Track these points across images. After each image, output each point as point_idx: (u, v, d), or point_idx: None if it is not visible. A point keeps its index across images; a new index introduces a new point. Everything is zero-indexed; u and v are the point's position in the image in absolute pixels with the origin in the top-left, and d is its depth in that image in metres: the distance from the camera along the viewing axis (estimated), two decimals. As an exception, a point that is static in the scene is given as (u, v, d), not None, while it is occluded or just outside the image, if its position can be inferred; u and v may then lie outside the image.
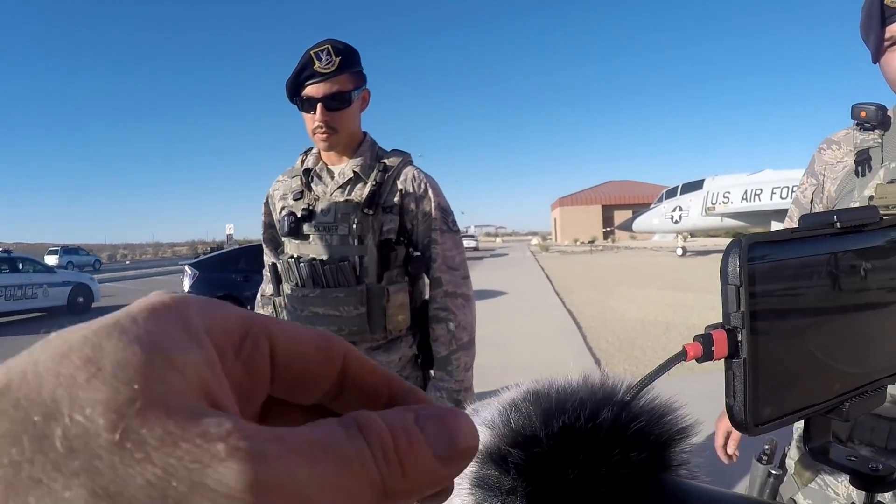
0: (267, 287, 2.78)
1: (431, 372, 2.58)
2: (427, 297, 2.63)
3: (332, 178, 2.55)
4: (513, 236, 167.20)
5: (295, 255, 2.52)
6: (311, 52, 2.35)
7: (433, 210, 2.53)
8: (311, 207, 2.50)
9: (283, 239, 2.60)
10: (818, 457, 0.56)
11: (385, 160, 2.55)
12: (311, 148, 2.66)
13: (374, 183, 2.47)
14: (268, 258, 2.80)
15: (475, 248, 65.28)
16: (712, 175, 27.69)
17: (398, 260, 2.50)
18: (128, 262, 54.86)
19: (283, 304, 2.62)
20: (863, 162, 1.82)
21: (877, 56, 1.81)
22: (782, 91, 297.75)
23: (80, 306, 18.97)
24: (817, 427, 0.55)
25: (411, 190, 2.51)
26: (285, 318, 2.49)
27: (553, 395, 0.53)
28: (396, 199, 2.50)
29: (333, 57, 2.36)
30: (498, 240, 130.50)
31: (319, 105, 2.39)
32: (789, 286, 0.49)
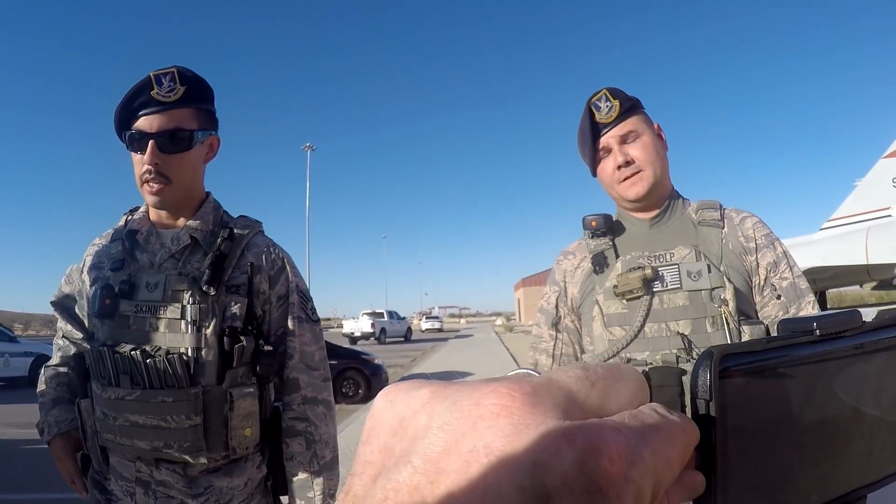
0: (55, 365, 2.21)
1: (283, 499, 2.11)
2: (276, 403, 2.12)
3: (162, 244, 1.98)
4: (477, 317, 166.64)
5: (108, 343, 1.87)
6: (152, 75, 1.86)
7: (291, 293, 2.06)
8: (132, 281, 1.91)
9: (95, 320, 1.95)
10: None
11: (232, 227, 2.02)
12: (139, 206, 2.11)
13: (216, 253, 1.93)
14: (62, 334, 2.23)
15: (439, 329, 65.28)
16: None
17: (245, 355, 1.92)
18: None
19: (90, 408, 1.95)
20: (600, 262, 2.10)
21: (594, 167, 2.15)
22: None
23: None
24: None
25: (264, 266, 2.01)
26: (94, 427, 1.93)
27: None
28: (245, 276, 1.97)
29: (178, 84, 1.87)
30: (462, 321, 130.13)
31: (151, 143, 1.86)
32: (764, 398, 0.47)
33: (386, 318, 44.60)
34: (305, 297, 2.10)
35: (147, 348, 1.84)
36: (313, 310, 2.13)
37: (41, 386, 2.17)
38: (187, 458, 1.84)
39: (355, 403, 13.33)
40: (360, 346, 25.96)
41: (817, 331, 0.50)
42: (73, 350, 2.14)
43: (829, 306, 19.00)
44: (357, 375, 14.24)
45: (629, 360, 1.90)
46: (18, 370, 18.08)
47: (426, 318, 72.40)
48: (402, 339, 45.74)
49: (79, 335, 2.14)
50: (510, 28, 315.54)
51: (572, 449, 0.29)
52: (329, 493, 2.00)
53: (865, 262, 16.70)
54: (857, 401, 0.54)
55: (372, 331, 41.96)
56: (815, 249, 18.36)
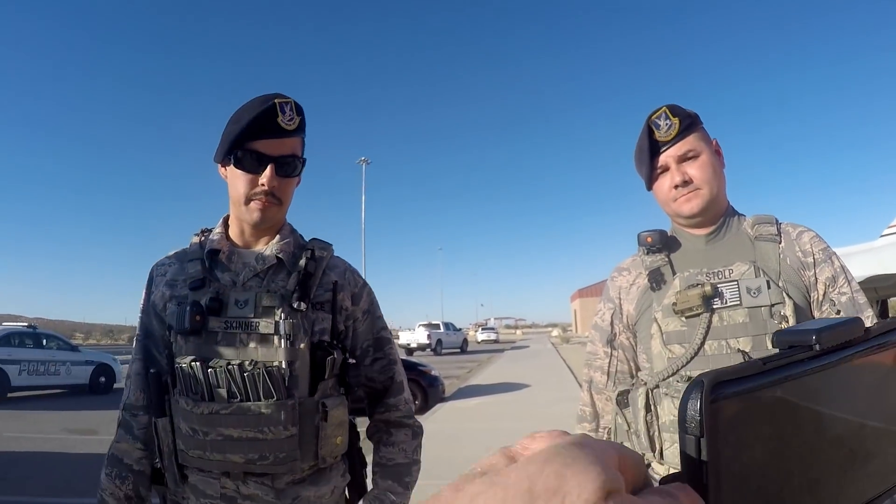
0: (136, 396, 2.08)
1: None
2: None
3: (246, 264, 2.02)
4: (532, 328, 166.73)
5: (198, 359, 1.88)
6: (277, 102, 1.91)
7: (374, 308, 2.15)
8: (220, 298, 1.93)
9: (178, 337, 1.94)
10: None
11: (313, 248, 2.08)
12: (209, 229, 2.14)
13: (302, 272, 1.99)
14: (136, 361, 2.11)
15: (495, 341, 65.10)
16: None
17: (335, 367, 1.99)
18: None
19: (169, 427, 1.94)
20: (656, 279, 2.11)
21: (650, 184, 2.16)
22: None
23: (101, 386, 18.97)
24: None
25: (346, 284, 2.08)
26: (178, 447, 1.92)
27: None
28: (328, 294, 2.03)
29: (296, 115, 1.95)
30: (518, 332, 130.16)
31: (271, 166, 1.93)
32: (762, 422, 0.44)
33: (442, 330, 44.60)
34: (380, 312, 2.20)
35: (242, 363, 1.85)
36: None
37: (107, 479, 2.03)
38: (281, 468, 1.86)
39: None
40: (416, 358, 25.93)
41: (817, 345, 0.49)
42: (145, 399, 2.05)
43: (890, 314, 18.58)
44: (414, 387, 14.14)
45: (689, 379, 1.86)
46: (79, 378, 18.57)
47: (482, 329, 72.34)
48: (459, 350, 45.62)
49: (158, 349, 2.08)
50: (560, 37, 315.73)
51: None
52: (414, 483, 2.10)
53: None
54: (863, 414, 0.53)
55: (428, 342, 42.08)
56: (875, 257, 18.23)
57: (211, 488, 1.88)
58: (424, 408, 14.02)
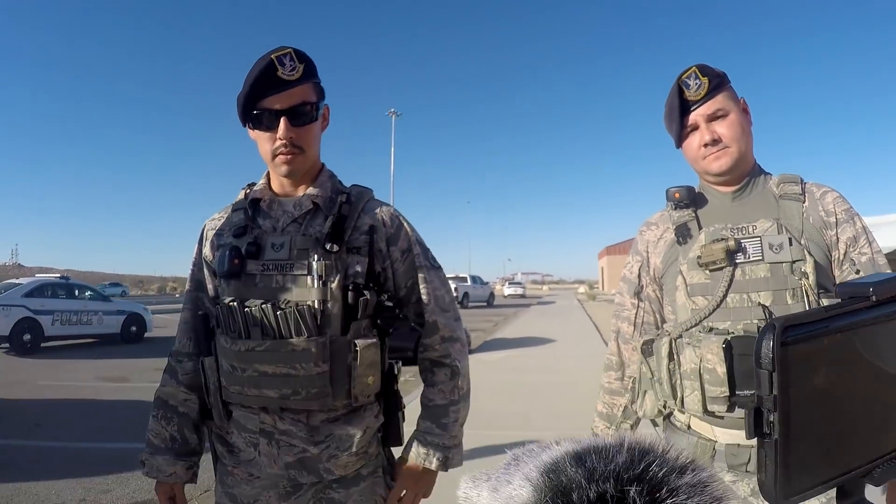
0: (182, 343, 2.27)
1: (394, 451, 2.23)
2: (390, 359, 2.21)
3: (285, 211, 2.13)
4: (559, 284, 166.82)
5: (238, 300, 2.01)
6: (273, 57, 1.98)
7: (413, 245, 2.17)
8: (258, 243, 2.05)
9: (221, 281, 2.10)
10: None
11: (349, 193, 2.17)
12: (254, 183, 2.26)
13: (336, 216, 2.07)
14: (185, 309, 2.29)
15: (522, 295, 65.19)
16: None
17: (368, 309, 2.05)
18: (177, 295, 55.31)
19: (214, 365, 2.10)
20: (683, 233, 2.17)
21: (679, 142, 2.21)
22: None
23: (132, 335, 19.29)
24: (852, 487, 0.55)
25: (382, 227, 2.13)
26: (222, 383, 2.07)
27: (594, 461, 0.56)
28: (364, 237, 2.09)
29: (297, 63, 2.01)
30: (545, 287, 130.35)
31: (283, 119, 2.01)
32: (824, 363, 0.49)
33: (469, 283, 44.57)
34: (425, 248, 2.23)
35: (277, 302, 1.96)
36: (434, 258, 2.26)
37: (154, 421, 2.22)
38: (313, 404, 1.97)
39: None
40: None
41: (873, 296, 0.52)
42: (191, 346, 2.23)
43: None
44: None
45: (711, 329, 1.97)
46: (111, 328, 18.91)
47: (509, 283, 72.25)
48: (485, 303, 45.65)
49: (208, 297, 2.25)
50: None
51: None
52: (461, 422, 2.18)
53: None
54: None
55: (455, 294, 41.78)
56: None
57: (251, 423, 2.03)
58: (450, 359, 14.15)
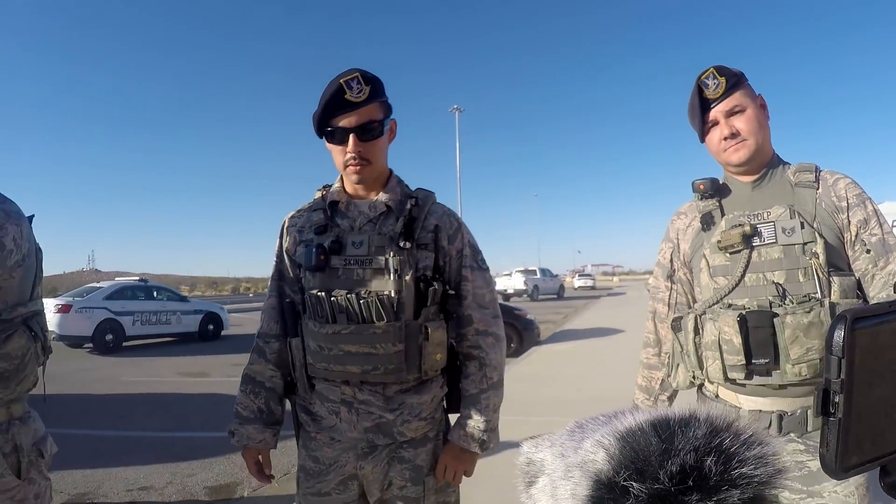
0: (269, 326, 2.55)
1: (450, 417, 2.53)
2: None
3: (361, 212, 2.42)
4: (630, 275, 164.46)
5: (324, 290, 2.32)
6: (341, 82, 2.27)
7: (464, 247, 2.45)
8: (340, 240, 2.36)
9: (307, 273, 2.40)
10: (892, 491, 0.62)
11: (416, 196, 2.44)
12: (330, 184, 2.55)
13: (407, 217, 2.37)
14: (271, 297, 2.59)
15: (592, 287, 64.57)
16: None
17: (436, 297, 2.37)
18: (251, 295, 56.13)
19: (300, 345, 2.41)
20: (707, 221, 2.37)
21: (702, 136, 2.40)
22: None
23: (210, 334, 19.85)
24: (894, 467, 0.60)
25: (444, 227, 2.42)
26: (307, 360, 2.39)
27: (674, 432, 0.60)
28: (430, 235, 2.40)
29: (364, 86, 2.29)
30: (615, 279, 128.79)
31: (352, 136, 2.30)
32: (886, 352, 0.54)
33: (538, 276, 44.49)
34: (476, 251, 2.50)
35: (359, 292, 2.27)
36: (483, 260, 2.53)
37: (242, 395, 2.52)
38: (390, 378, 2.30)
39: (508, 357, 13.37)
40: (512, 303, 26.04)
41: None
42: (282, 341, 2.52)
43: None
44: (510, 330, 14.35)
45: (729, 306, 2.18)
46: (189, 327, 19.50)
47: (579, 275, 71.77)
48: (555, 296, 45.42)
49: (289, 285, 2.55)
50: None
51: None
52: (493, 408, 2.41)
53: None
54: None
55: (525, 288, 42.04)
56: None
57: (333, 394, 2.36)
58: (519, 350, 14.28)
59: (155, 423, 8.59)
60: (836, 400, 0.52)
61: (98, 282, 20.55)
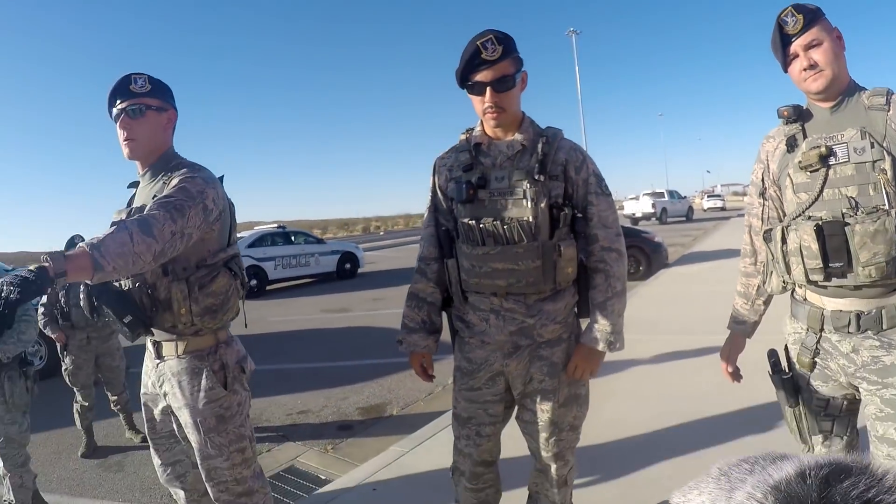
0: (428, 251, 3.02)
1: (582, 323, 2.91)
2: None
3: (500, 151, 2.79)
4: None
5: (474, 219, 2.74)
6: (478, 43, 2.62)
7: (590, 176, 2.78)
8: (485, 176, 2.76)
9: (458, 205, 2.81)
10: None
11: (547, 135, 2.79)
12: (472, 128, 2.92)
13: (540, 154, 2.72)
14: (429, 226, 3.04)
15: (722, 208, 62.22)
16: None
17: (567, 220, 2.73)
18: (381, 234, 57.03)
19: (456, 265, 2.86)
20: (791, 144, 2.60)
21: (785, 68, 2.61)
22: None
23: (347, 272, 20.57)
24: None
25: (571, 160, 2.76)
26: (462, 277, 2.83)
27: (827, 480, 0.60)
28: (560, 168, 2.74)
29: (497, 45, 2.63)
30: (746, 199, 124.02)
31: (489, 89, 2.65)
32: None
33: (666, 198, 43.46)
34: (599, 178, 2.83)
35: (503, 219, 2.69)
36: (606, 186, 2.85)
37: (408, 309, 3.05)
38: (530, 289, 2.72)
39: (636, 280, 13.61)
40: (640, 227, 25.78)
41: None
42: (439, 263, 3.00)
43: None
44: (638, 253, 14.48)
45: (809, 218, 2.45)
46: (327, 267, 20.26)
47: (708, 196, 69.27)
48: (684, 218, 44.38)
49: (446, 217, 2.97)
50: None
51: None
52: (618, 313, 2.79)
53: None
54: None
55: (653, 211, 41.42)
56: None
57: (483, 304, 2.82)
58: (648, 273, 14.36)
59: (306, 355, 9.24)
60: None
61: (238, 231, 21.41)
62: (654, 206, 41.43)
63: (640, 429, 4.92)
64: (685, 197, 47.70)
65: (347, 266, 20.66)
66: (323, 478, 4.59)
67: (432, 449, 4.82)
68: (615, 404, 5.54)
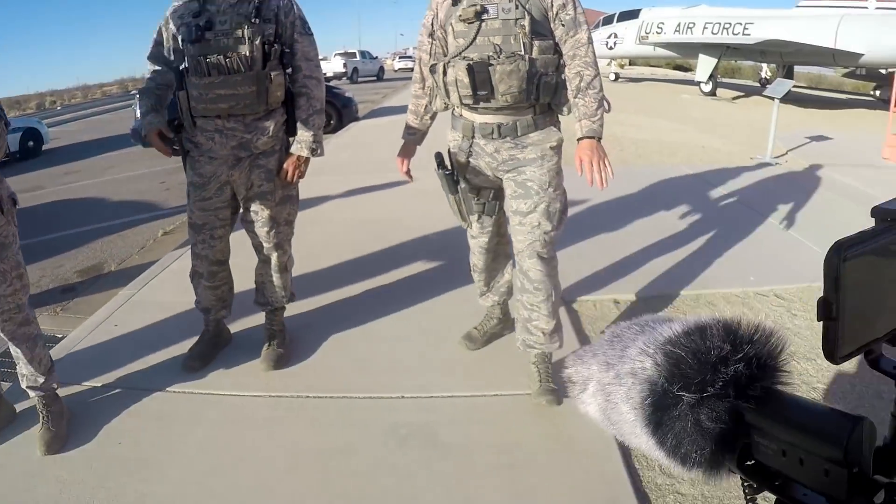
0: (162, 75, 3.53)
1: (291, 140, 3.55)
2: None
3: (223, 0, 3.28)
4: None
5: (202, 55, 3.23)
6: None
7: (296, 20, 3.40)
8: (210, 20, 3.24)
9: (187, 45, 3.26)
10: (874, 366, 0.72)
11: None
12: None
13: (256, 2, 3.28)
14: (157, 71, 3.54)
15: (412, 70, 62.21)
16: (649, 6, 26.94)
17: (277, 55, 3.34)
18: (59, 108, 50.95)
19: (185, 96, 3.34)
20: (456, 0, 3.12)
21: None
22: None
23: (31, 150, 18.73)
24: (873, 347, 0.70)
25: (282, 7, 3.35)
26: (191, 105, 3.35)
27: (716, 342, 0.66)
28: (272, 13, 3.32)
29: None
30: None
31: None
32: (870, 267, 0.65)
33: (358, 58, 43.71)
34: (303, 21, 3.45)
35: (226, 54, 3.22)
36: (309, 28, 3.48)
37: (139, 107, 3.61)
38: (247, 110, 3.32)
39: (327, 134, 13.88)
40: (332, 84, 26.01)
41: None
42: (165, 72, 3.48)
43: (796, 82, 20.00)
44: (329, 108, 14.69)
45: (464, 58, 3.03)
46: (10, 146, 18.28)
47: (399, 57, 69.87)
48: (375, 77, 44.68)
49: (170, 59, 3.44)
50: None
51: None
52: (318, 126, 3.49)
53: (833, 47, 17.66)
54: None
55: (344, 70, 41.45)
56: (787, 24, 19.08)
57: (209, 125, 3.39)
58: (338, 126, 14.95)
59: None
60: (833, 311, 0.62)
61: None
62: (345, 65, 41.25)
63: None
64: (376, 57, 48.06)
65: (30, 144, 18.79)
66: (60, 336, 4.53)
67: (159, 286, 5.18)
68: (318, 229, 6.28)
